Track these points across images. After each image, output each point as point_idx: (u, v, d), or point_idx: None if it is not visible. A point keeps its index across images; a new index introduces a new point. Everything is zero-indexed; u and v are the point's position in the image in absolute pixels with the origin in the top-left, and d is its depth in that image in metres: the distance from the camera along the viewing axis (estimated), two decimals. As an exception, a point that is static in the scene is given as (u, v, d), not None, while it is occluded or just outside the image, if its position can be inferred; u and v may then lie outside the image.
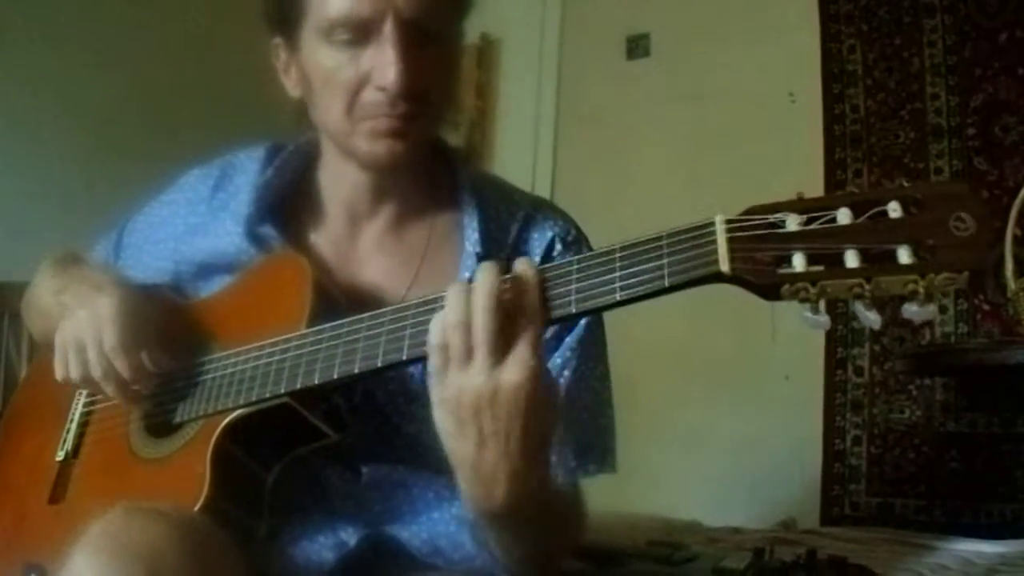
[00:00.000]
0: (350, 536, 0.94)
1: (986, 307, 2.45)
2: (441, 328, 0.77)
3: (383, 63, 0.90)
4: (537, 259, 1.02)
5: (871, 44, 2.75)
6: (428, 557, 0.96)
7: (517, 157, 3.25)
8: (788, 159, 2.72)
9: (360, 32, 0.91)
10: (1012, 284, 2.08)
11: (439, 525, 0.98)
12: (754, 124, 2.82)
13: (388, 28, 0.90)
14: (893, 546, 1.85)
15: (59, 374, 0.97)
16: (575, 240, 1.06)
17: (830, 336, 2.64)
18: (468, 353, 0.76)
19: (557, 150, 3.25)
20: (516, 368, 0.75)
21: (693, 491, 2.65)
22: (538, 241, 1.04)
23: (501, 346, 0.75)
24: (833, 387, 2.66)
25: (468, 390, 0.76)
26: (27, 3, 2.38)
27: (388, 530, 0.96)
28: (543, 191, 3.07)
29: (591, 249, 1.05)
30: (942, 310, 2.50)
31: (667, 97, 3.03)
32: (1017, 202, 2.14)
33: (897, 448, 2.55)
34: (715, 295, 0.79)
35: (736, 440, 2.70)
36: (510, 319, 0.76)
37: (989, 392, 2.42)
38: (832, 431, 2.63)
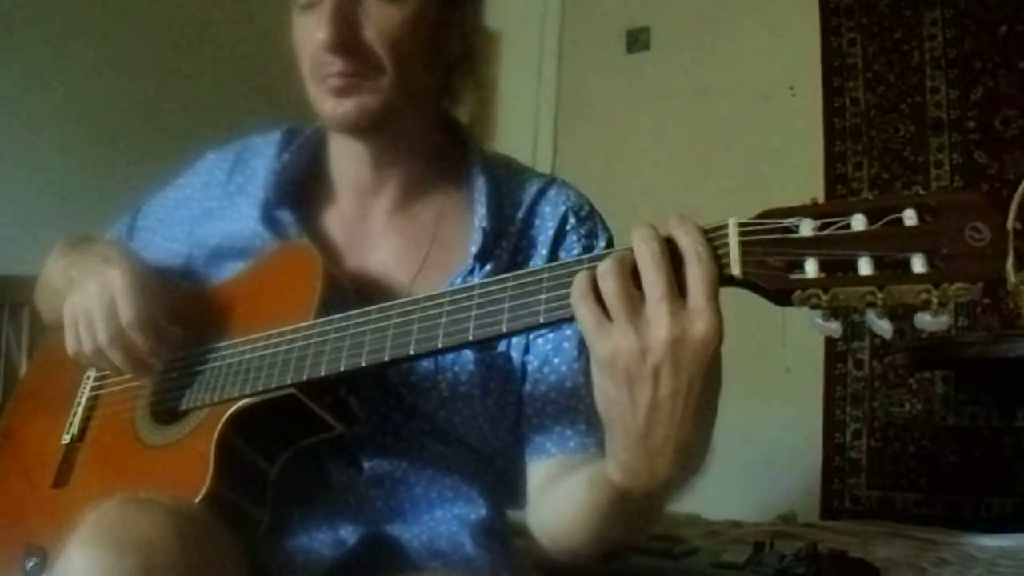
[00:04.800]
0: (350, 535, 0.93)
1: (986, 300, 2.45)
2: (588, 279, 0.69)
3: (319, 21, 0.92)
4: (550, 232, 1.00)
5: (871, 37, 2.75)
6: (426, 561, 0.95)
7: (517, 151, 3.21)
8: (788, 153, 2.72)
9: None
10: (1012, 278, 2.08)
11: (441, 526, 0.97)
12: (754, 118, 2.82)
13: None
14: (893, 540, 1.85)
15: (70, 347, 0.95)
16: (588, 215, 1.03)
17: (830, 330, 2.64)
18: (632, 302, 0.68)
19: (557, 143, 3.25)
20: (702, 316, 0.66)
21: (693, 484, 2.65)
22: (551, 215, 1.02)
23: (679, 295, 0.68)
24: (833, 381, 2.66)
25: (647, 342, 0.67)
26: (28, 2, 2.37)
27: (388, 530, 0.95)
28: (543, 185, 3.06)
29: (604, 226, 1.04)
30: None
31: (667, 91, 3.03)
32: (1017, 195, 2.14)
33: (897, 442, 2.55)
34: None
35: (736, 433, 2.69)
36: (677, 271, 0.68)
37: (989, 385, 2.42)
38: (832, 425, 2.64)
